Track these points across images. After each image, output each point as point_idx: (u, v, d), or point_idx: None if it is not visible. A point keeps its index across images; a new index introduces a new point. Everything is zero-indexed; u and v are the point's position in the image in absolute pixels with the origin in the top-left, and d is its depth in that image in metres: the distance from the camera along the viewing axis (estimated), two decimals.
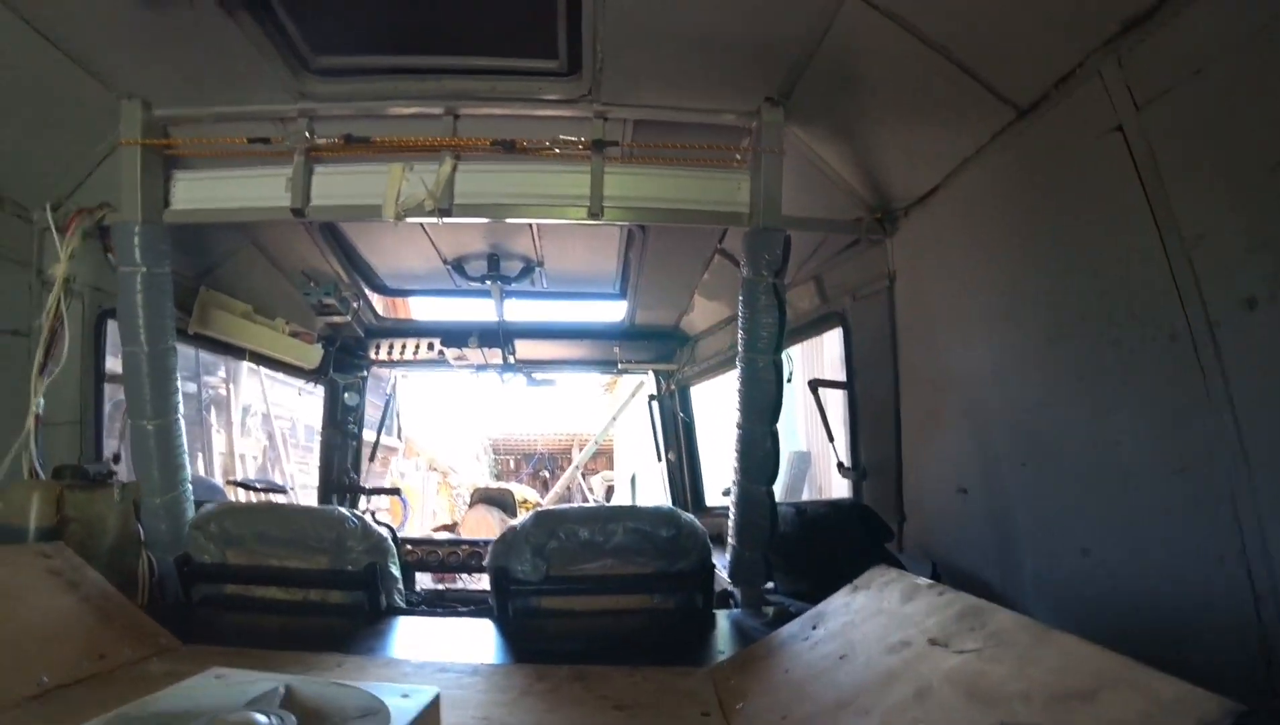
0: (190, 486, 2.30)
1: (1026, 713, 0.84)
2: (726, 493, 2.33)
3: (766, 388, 2.10)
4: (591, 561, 1.97)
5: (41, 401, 2.21)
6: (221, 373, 8.31)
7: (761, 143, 2.19)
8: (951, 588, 1.26)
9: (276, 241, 3.02)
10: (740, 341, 2.14)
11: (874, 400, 2.46)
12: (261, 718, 1.08)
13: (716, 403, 4.11)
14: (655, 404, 4.06)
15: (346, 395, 3.76)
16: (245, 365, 8.79)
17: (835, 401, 2.92)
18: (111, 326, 2.45)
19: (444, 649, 1.82)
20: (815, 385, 2.65)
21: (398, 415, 4.28)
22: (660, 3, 1.81)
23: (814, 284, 2.68)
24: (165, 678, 1.21)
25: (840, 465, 2.59)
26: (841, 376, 2.68)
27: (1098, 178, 1.46)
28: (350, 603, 2.09)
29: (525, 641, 1.90)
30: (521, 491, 9.06)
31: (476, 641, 1.91)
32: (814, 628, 1.47)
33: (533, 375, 4.30)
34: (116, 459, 2.35)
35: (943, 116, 1.91)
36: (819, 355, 5.18)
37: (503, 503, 6.10)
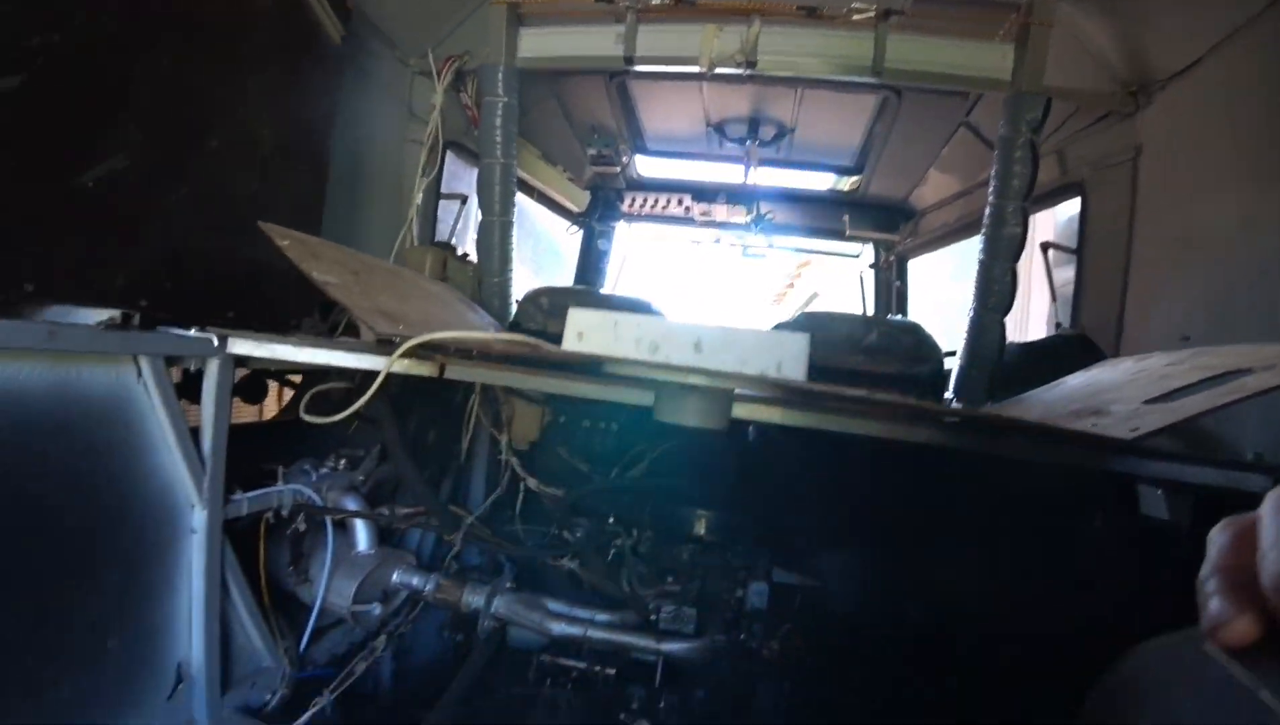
0: (513, 275, 3.01)
1: None
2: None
3: (1011, 231, 2.40)
4: (848, 355, 2.41)
5: (420, 197, 3.00)
6: None
7: (1032, 15, 2.42)
8: None
9: (575, 97, 3.61)
10: (991, 190, 2.43)
11: (1102, 264, 2.67)
12: None
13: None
14: (872, 274, 4.39)
15: (600, 241, 4.44)
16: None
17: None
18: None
19: None
20: (1046, 247, 2.88)
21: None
22: None
23: (1055, 157, 2.88)
24: None
25: (1058, 326, 2.84)
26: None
27: None
28: None
29: None
30: None
31: None
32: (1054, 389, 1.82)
33: (748, 249, 4.75)
34: None
35: None
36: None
37: None
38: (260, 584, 1.98)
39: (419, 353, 1.47)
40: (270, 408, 2.71)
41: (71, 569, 1.42)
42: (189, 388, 1.71)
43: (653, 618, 2.03)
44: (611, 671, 2.04)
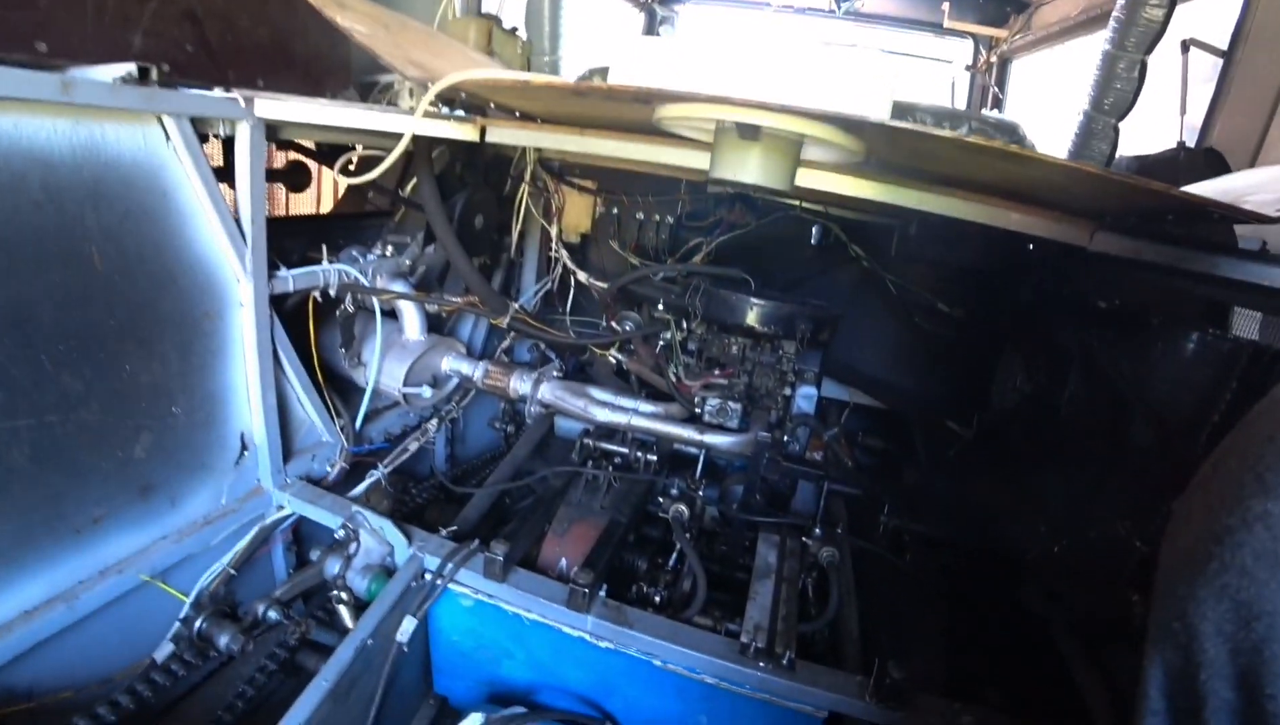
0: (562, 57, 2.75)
1: None
2: None
3: (1150, 14, 2.01)
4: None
5: None
6: None
7: None
8: None
9: None
10: None
11: (1256, 68, 2.26)
12: None
13: None
14: (966, 79, 3.87)
15: (662, 29, 4.01)
16: None
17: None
18: None
19: None
20: (1187, 45, 2.45)
21: None
22: None
23: None
24: None
25: (1180, 144, 2.48)
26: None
27: None
28: None
29: None
30: None
31: None
32: None
33: (830, 45, 4.23)
34: None
35: None
36: None
37: None
38: (314, 364, 2.02)
39: (458, 117, 1.34)
40: None
41: (126, 331, 1.44)
42: (227, 172, 1.63)
43: (697, 411, 2.01)
44: (653, 458, 2.06)
